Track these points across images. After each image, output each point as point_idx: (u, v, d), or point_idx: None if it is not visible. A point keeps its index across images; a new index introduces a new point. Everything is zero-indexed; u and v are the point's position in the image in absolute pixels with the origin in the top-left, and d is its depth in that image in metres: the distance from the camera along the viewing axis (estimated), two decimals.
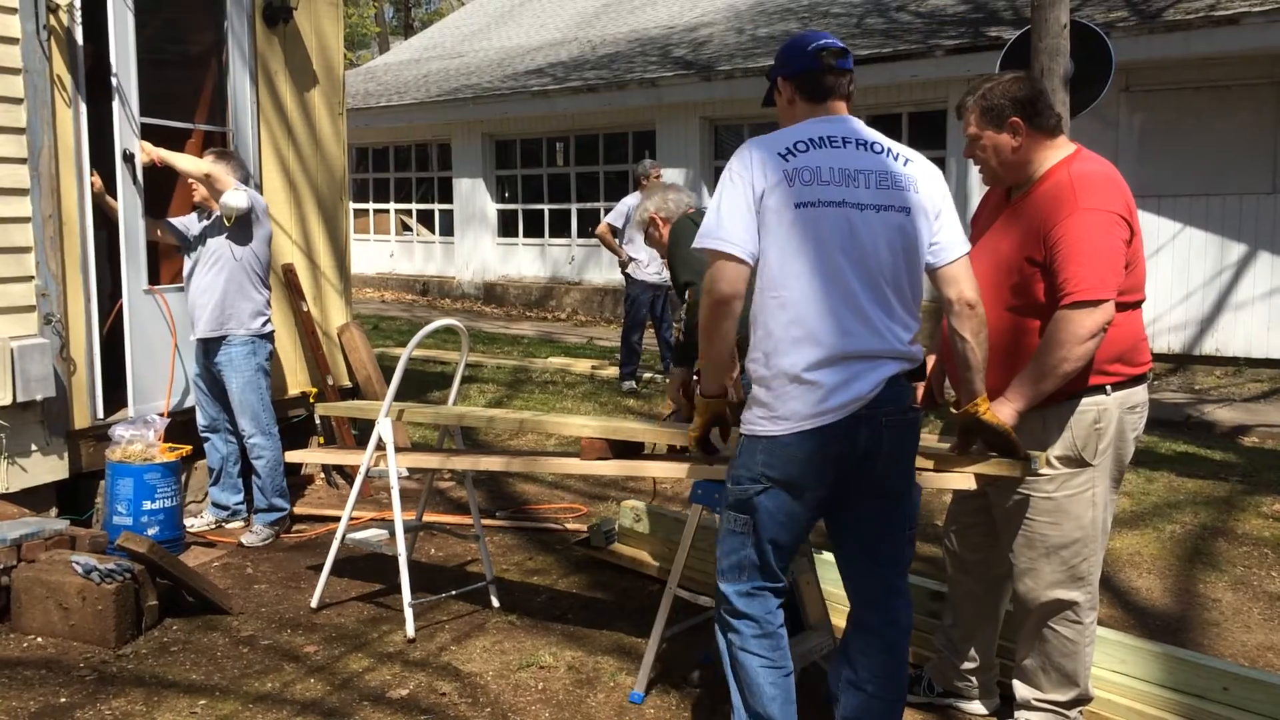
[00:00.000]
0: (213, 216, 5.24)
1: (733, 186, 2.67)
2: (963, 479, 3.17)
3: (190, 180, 5.26)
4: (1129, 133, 10.54)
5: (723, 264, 2.64)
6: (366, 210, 18.38)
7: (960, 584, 3.43)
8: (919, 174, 2.77)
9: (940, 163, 11.98)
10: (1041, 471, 2.97)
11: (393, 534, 4.26)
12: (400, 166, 18.31)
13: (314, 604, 4.33)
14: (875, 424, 2.68)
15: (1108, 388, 2.97)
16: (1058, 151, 3.00)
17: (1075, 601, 3.07)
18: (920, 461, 3.06)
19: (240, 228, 5.20)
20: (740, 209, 2.65)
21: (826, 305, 2.63)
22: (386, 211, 18.47)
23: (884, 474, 2.75)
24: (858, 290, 2.64)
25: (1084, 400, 2.96)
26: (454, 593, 4.39)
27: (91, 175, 5.13)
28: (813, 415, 2.62)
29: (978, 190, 11.57)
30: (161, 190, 5.86)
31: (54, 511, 5.03)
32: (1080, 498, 3.02)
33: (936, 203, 2.78)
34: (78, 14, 5.06)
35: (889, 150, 2.77)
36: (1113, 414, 2.98)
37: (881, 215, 2.68)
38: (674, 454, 3.72)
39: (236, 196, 5.10)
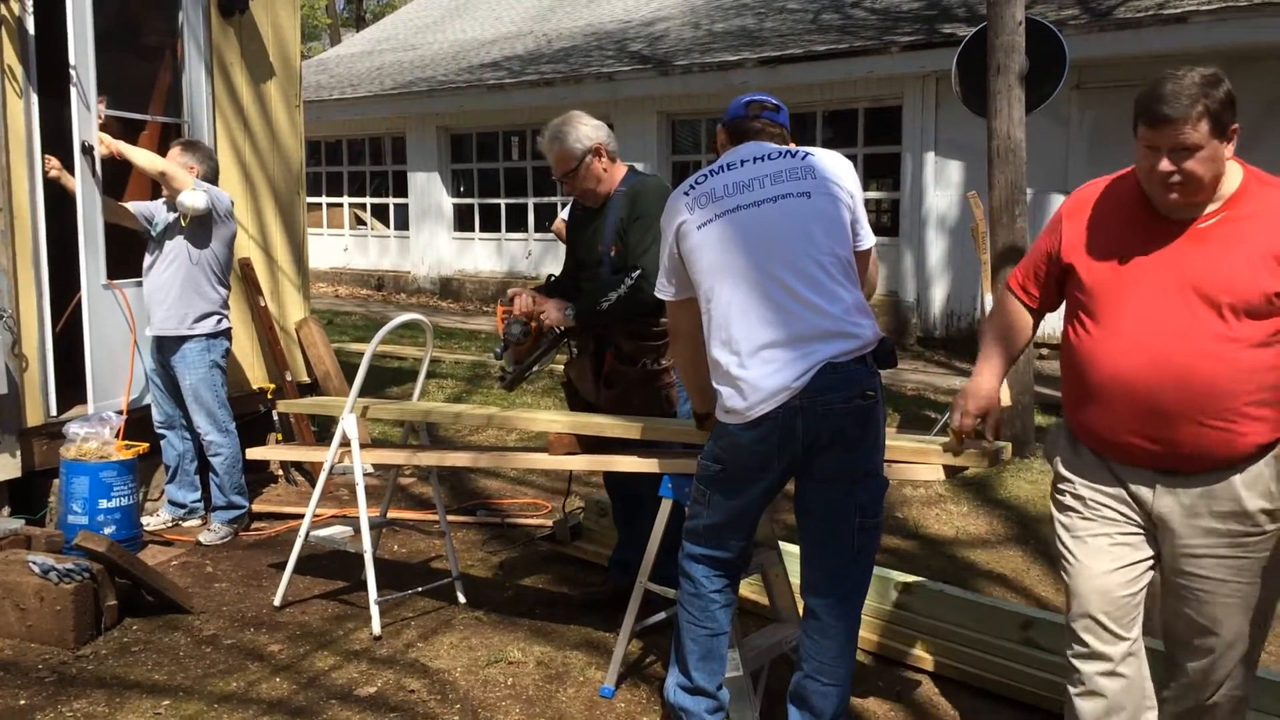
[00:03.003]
0: (174, 213, 5.14)
1: (660, 236, 3.07)
2: (930, 470, 3.22)
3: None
4: (1080, 130, 10.71)
5: (668, 305, 3.12)
6: (320, 204, 18.16)
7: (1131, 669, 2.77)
8: (819, 162, 2.94)
9: (895, 159, 12.11)
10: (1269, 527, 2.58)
11: (357, 530, 4.23)
12: (354, 160, 18.12)
13: (277, 602, 4.28)
14: (812, 414, 2.75)
15: None
16: (1232, 160, 2.55)
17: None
18: (889, 454, 3.09)
19: (199, 227, 5.10)
20: (664, 258, 3.04)
21: (742, 304, 2.82)
22: (340, 205, 18.28)
23: (828, 462, 2.82)
24: (776, 278, 2.80)
25: None
26: (419, 589, 4.36)
27: (46, 159, 5.01)
28: (747, 409, 2.78)
29: (933, 186, 11.70)
30: (120, 178, 5.74)
31: (6, 511, 4.93)
32: None
33: (846, 184, 2.94)
34: (29, 3, 4.94)
35: (786, 152, 2.97)
36: None
37: (780, 204, 2.86)
38: (643, 448, 3.72)
39: (194, 196, 4.99)
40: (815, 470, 2.83)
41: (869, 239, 3.01)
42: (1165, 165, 2.48)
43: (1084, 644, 2.67)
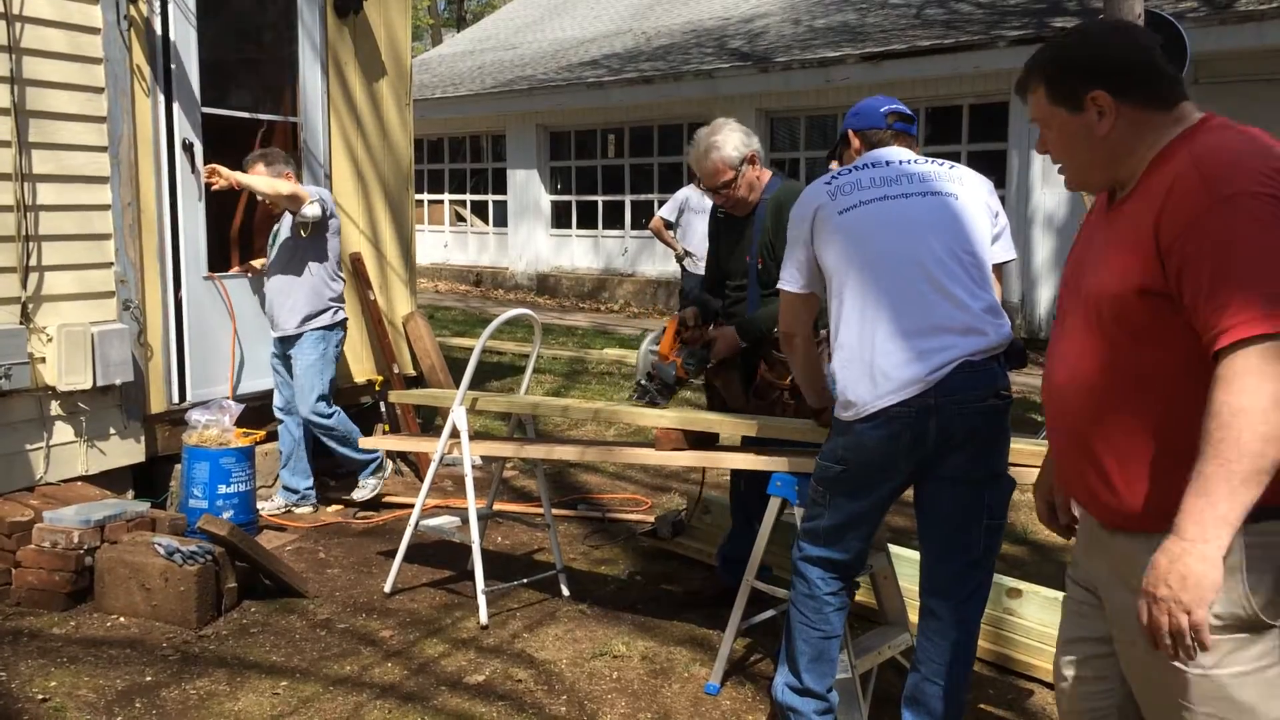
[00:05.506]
0: (283, 217, 5.32)
1: (789, 231, 3.02)
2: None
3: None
4: None
5: (785, 297, 3.03)
6: (421, 201, 18.48)
7: None
8: (967, 173, 2.96)
9: (1000, 156, 11.85)
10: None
11: (464, 521, 4.29)
12: (455, 157, 18.41)
13: (387, 589, 4.38)
14: (947, 412, 2.69)
15: None
16: (1173, 127, 1.97)
17: None
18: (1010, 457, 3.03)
19: (313, 229, 5.29)
20: (793, 249, 2.97)
21: (880, 289, 2.76)
22: (441, 202, 18.59)
23: (960, 462, 2.77)
24: (920, 266, 2.75)
25: (1269, 523, 1.77)
26: (524, 581, 4.42)
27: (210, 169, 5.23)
28: (876, 398, 2.71)
29: (1040, 184, 11.43)
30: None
31: (130, 494, 5.13)
32: (1257, 680, 1.83)
33: (990, 198, 2.95)
34: (156, 4, 5.13)
35: (933, 161, 3.00)
36: None
37: (929, 199, 2.85)
38: (752, 446, 3.70)
39: (313, 208, 5.19)
40: (945, 470, 2.78)
41: (1010, 252, 3.01)
42: (1039, 143, 2.11)
43: None
